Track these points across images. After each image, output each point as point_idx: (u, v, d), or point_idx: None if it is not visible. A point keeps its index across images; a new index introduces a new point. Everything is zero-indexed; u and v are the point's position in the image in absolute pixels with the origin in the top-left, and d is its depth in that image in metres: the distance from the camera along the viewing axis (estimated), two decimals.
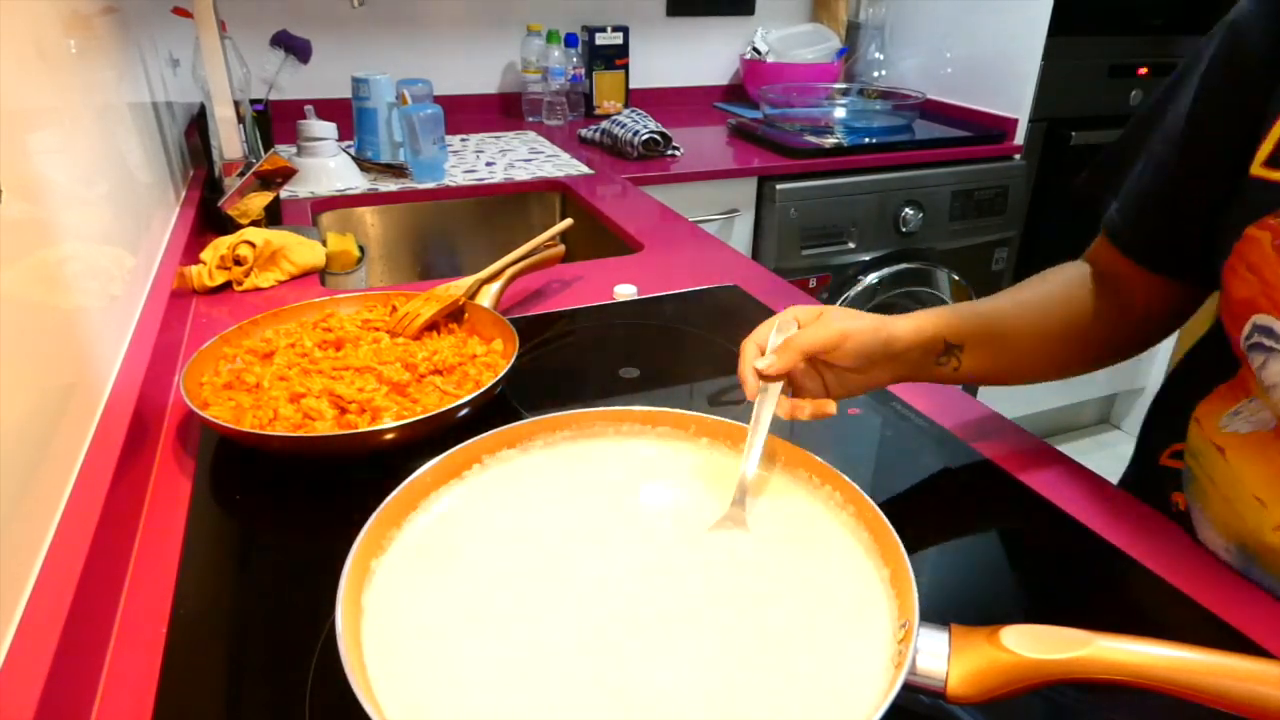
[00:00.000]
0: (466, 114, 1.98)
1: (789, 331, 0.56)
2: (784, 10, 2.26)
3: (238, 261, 0.97)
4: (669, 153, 1.70)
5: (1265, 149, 0.51)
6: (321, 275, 1.04)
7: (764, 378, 0.54)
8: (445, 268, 1.55)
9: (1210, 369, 0.58)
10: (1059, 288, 0.65)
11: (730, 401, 0.76)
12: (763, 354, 0.55)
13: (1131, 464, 0.70)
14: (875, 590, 0.46)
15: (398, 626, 0.43)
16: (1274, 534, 0.52)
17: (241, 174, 1.08)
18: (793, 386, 0.58)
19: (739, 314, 0.95)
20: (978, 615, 0.52)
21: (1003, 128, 1.88)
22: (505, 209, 1.54)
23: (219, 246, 0.98)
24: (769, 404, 0.54)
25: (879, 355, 0.56)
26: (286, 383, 0.68)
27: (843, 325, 0.55)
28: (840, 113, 1.97)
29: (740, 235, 1.71)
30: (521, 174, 1.54)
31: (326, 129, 1.42)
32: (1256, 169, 0.51)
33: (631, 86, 2.07)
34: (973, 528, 0.62)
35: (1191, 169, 0.56)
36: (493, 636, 0.43)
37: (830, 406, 0.55)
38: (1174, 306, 0.63)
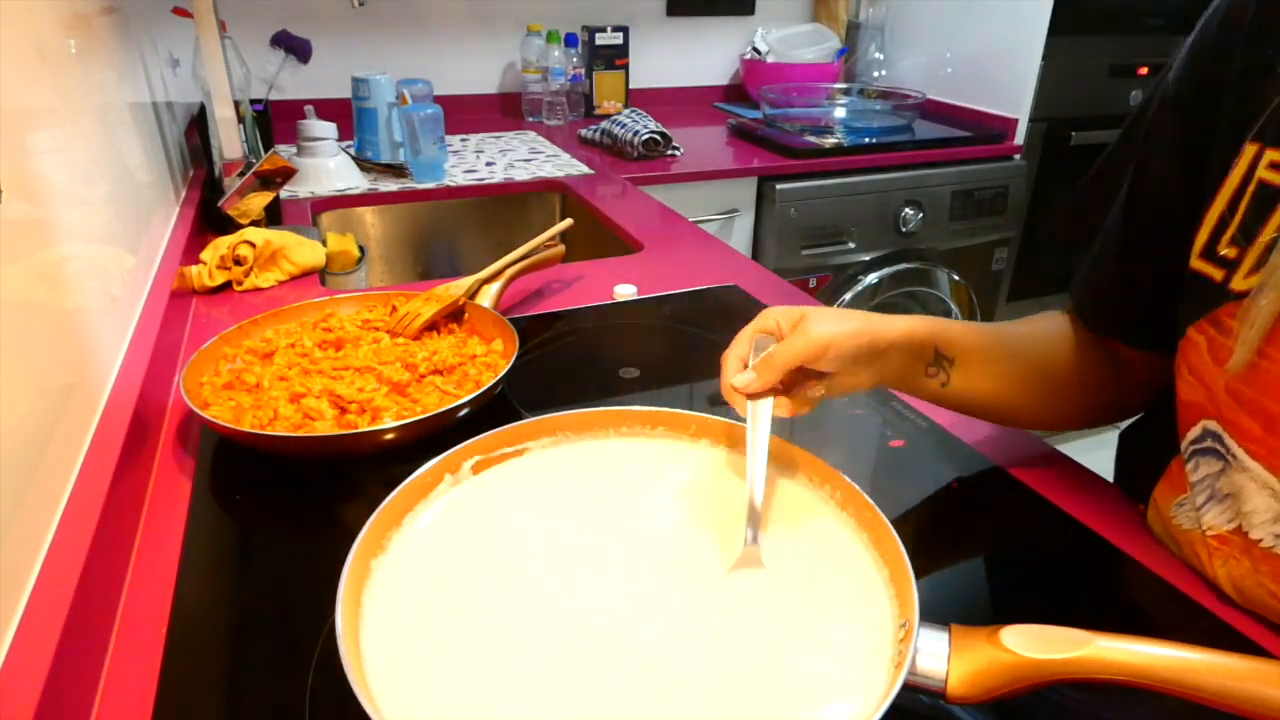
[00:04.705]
0: (466, 114, 1.98)
1: (768, 344, 0.53)
2: (784, 10, 2.26)
3: (238, 261, 0.97)
4: (669, 153, 1.70)
5: (1200, 238, 0.49)
6: (321, 275, 1.04)
7: (748, 396, 0.52)
8: (445, 268, 1.55)
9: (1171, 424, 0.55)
10: (1057, 327, 0.62)
11: None
12: (745, 366, 0.53)
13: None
14: (875, 590, 0.46)
15: (397, 626, 0.43)
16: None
17: (241, 174, 1.08)
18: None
19: (739, 314, 0.95)
20: (978, 615, 0.52)
21: (1003, 128, 1.88)
22: (505, 209, 1.54)
23: (219, 246, 0.98)
24: (762, 424, 0.52)
25: (864, 358, 0.53)
26: (286, 383, 0.68)
27: (825, 334, 0.51)
28: (840, 113, 1.97)
29: (740, 235, 1.71)
30: (521, 174, 1.54)
31: (326, 129, 1.42)
32: (1195, 261, 0.49)
33: (631, 86, 2.07)
34: (972, 527, 0.61)
35: (1134, 246, 0.56)
36: (492, 636, 0.43)
37: (819, 390, 0.53)
38: (1157, 370, 0.57)
